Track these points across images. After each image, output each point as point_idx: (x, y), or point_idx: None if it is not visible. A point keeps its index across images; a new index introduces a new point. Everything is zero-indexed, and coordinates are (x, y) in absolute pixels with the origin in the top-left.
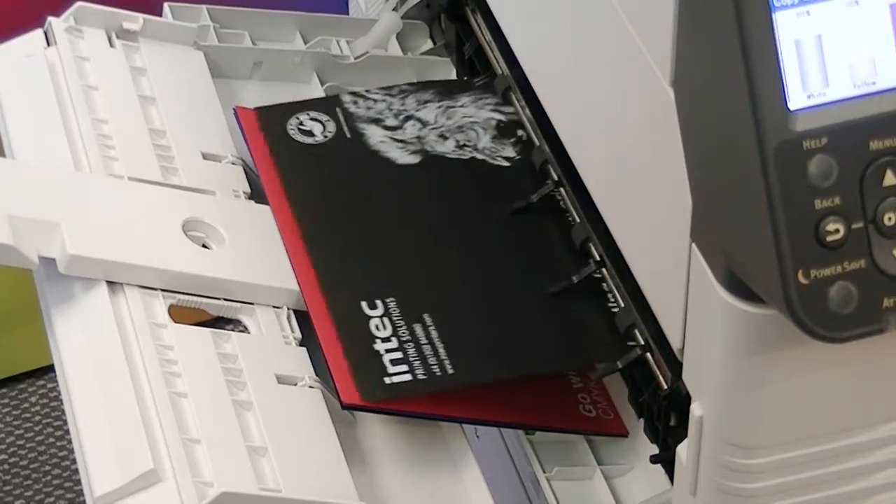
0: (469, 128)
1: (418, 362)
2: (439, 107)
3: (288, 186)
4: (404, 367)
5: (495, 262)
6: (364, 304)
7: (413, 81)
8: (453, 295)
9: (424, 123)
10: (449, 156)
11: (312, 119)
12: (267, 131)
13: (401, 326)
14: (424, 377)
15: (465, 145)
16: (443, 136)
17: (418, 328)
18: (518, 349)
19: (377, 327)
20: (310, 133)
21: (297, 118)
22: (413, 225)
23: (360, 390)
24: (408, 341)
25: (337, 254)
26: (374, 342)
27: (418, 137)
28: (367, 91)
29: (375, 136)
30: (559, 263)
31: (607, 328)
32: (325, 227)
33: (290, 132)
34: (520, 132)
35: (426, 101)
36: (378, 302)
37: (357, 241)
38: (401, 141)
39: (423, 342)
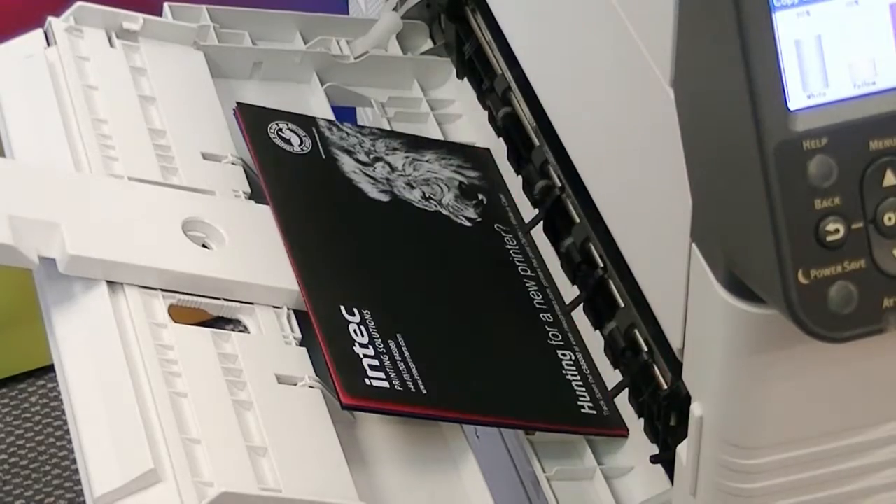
0: (434, 182)
1: (394, 374)
2: (406, 157)
3: (271, 185)
4: (382, 375)
5: (465, 301)
6: (343, 309)
7: (383, 129)
8: (423, 323)
9: (393, 168)
10: (415, 204)
11: (291, 130)
12: (249, 129)
13: (377, 338)
14: (401, 390)
15: (430, 198)
16: (410, 185)
17: (392, 344)
18: (488, 391)
19: (356, 332)
20: (288, 142)
21: (277, 125)
22: (387, 250)
23: (343, 387)
24: (384, 353)
25: (317, 257)
26: (354, 345)
27: (387, 179)
28: (341, 123)
29: (348, 165)
30: (533, 310)
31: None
32: (305, 230)
33: (271, 135)
34: (480, 196)
35: (394, 149)
36: (355, 310)
37: (335, 250)
38: (371, 177)
39: (397, 358)
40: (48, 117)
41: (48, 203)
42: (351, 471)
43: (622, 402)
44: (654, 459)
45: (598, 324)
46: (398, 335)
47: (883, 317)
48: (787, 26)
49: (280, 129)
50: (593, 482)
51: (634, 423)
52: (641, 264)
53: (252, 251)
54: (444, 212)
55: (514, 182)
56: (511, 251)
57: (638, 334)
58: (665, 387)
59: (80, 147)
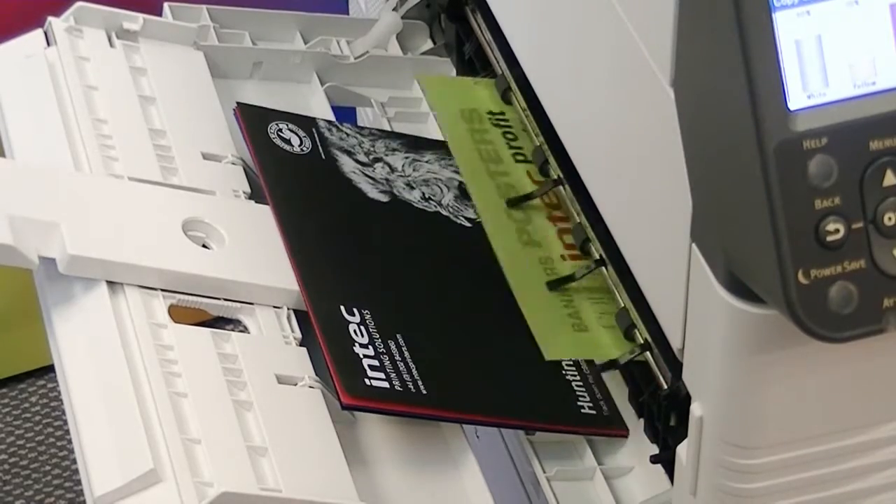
0: (434, 183)
1: (394, 374)
2: (406, 157)
3: (271, 185)
4: (382, 375)
5: (464, 302)
6: (343, 309)
7: (383, 129)
8: (423, 323)
9: (392, 168)
10: (415, 204)
11: (291, 130)
12: (249, 129)
13: (377, 339)
14: (401, 390)
15: (430, 198)
16: (409, 186)
17: (392, 344)
18: (488, 391)
19: (356, 332)
20: (288, 142)
21: (277, 125)
22: (386, 251)
23: (344, 388)
24: (383, 353)
25: (317, 257)
26: (354, 345)
27: (387, 179)
28: (340, 123)
29: (348, 166)
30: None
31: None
32: (305, 230)
33: (271, 136)
34: None
35: (394, 150)
36: (355, 310)
37: (335, 251)
38: (370, 178)
39: (397, 358)
40: (48, 117)
41: (48, 203)
42: (351, 471)
43: (622, 402)
44: (654, 459)
45: None
46: (398, 335)
47: (883, 317)
48: (787, 26)
49: (280, 130)
50: (593, 482)
51: (634, 423)
52: (641, 264)
53: (252, 251)
54: (444, 212)
55: None
56: None
57: (638, 334)
58: (665, 387)
59: (80, 147)
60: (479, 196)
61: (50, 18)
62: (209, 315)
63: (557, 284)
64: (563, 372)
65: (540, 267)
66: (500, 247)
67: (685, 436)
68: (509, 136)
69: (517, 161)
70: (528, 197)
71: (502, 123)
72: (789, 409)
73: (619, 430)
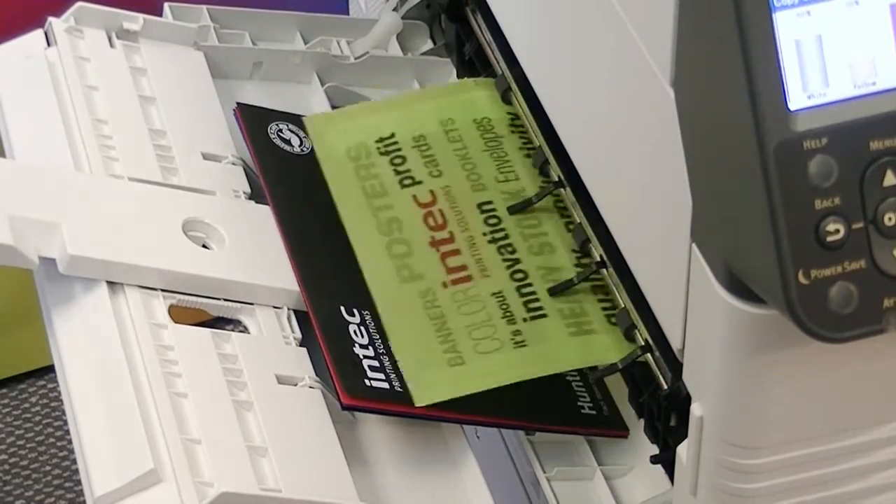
0: None
1: (394, 375)
2: None
3: (271, 187)
4: (381, 375)
5: None
6: (343, 309)
7: None
8: None
9: None
10: None
11: (291, 130)
12: (249, 129)
13: (377, 339)
14: (401, 390)
15: None
16: None
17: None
18: (488, 392)
19: (356, 333)
20: (288, 142)
21: (277, 125)
22: None
23: (343, 388)
24: (384, 353)
25: (317, 257)
26: (354, 346)
27: None
28: None
29: None
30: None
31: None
32: (305, 230)
33: (271, 136)
34: None
35: None
36: (355, 310)
37: (334, 252)
38: None
39: (397, 358)
40: (48, 117)
41: (48, 203)
42: (351, 471)
43: (622, 402)
44: (654, 459)
45: None
46: None
47: (883, 317)
48: (788, 26)
49: (280, 130)
50: (593, 482)
51: (634, 423)
52: (641, 264)
53: (252, 251)
54: None
55: None
56: None
57: (638, 334)
58: (665, 387)
59: (80, 147)
60: (355, 237)
61: (50, 19)
62: (209, 315)
63: (559, 290)
64: (564, 372)
65: (420, 301)
66: (377, 289)
67: (685, 436)
68: (397, 160)
69: (404, 186)
70: (528, 203)
71: (391, 150)
72: (789, 410)
73: (619, 430)
